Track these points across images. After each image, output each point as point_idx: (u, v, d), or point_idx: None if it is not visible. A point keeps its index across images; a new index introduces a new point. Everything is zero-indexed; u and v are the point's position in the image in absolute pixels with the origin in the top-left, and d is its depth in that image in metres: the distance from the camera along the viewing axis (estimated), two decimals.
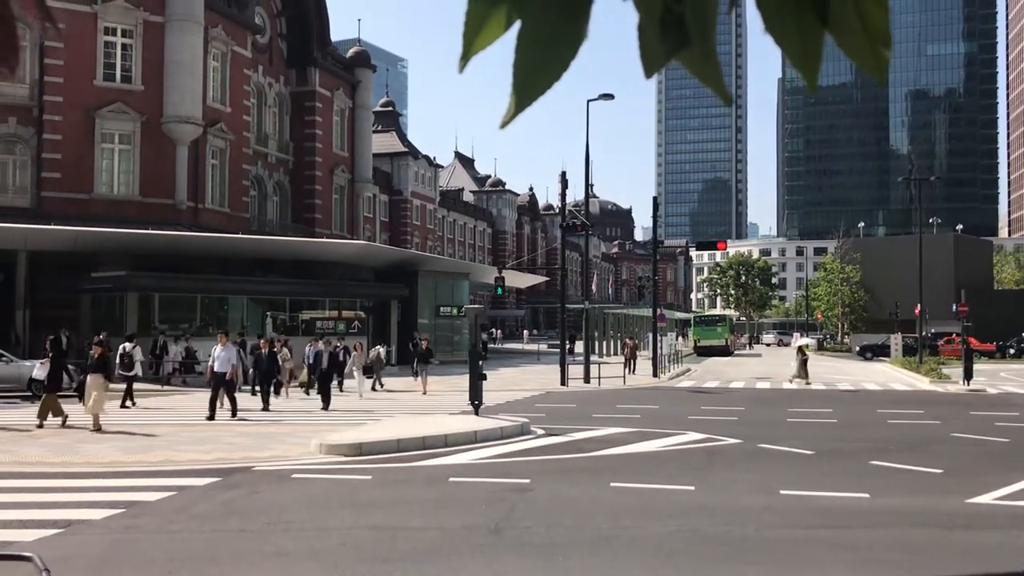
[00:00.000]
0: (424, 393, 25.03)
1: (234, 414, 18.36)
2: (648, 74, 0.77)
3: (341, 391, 24.15)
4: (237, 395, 19.16)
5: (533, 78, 0.74)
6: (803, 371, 31.43)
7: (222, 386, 18.42)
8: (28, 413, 19.45)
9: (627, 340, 40.16)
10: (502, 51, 0.82)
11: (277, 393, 22.48)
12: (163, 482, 11.07)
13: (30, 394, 22.63)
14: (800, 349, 32.55)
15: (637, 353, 37.13)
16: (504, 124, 0.78)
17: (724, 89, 0.78)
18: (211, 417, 17.88)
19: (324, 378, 21.57)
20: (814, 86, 0.77)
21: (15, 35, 0.82)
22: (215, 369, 18.52)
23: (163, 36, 40.07)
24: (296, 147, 52.52)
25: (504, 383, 29.46)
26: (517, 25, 0.74)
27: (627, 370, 34.01)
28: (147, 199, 39.59)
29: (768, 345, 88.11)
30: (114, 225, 33.66)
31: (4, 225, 30.98)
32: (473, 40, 0.74)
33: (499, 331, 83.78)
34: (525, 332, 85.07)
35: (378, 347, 29.25)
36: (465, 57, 0.75)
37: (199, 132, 41.09)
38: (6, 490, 10.40)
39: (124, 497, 10.04)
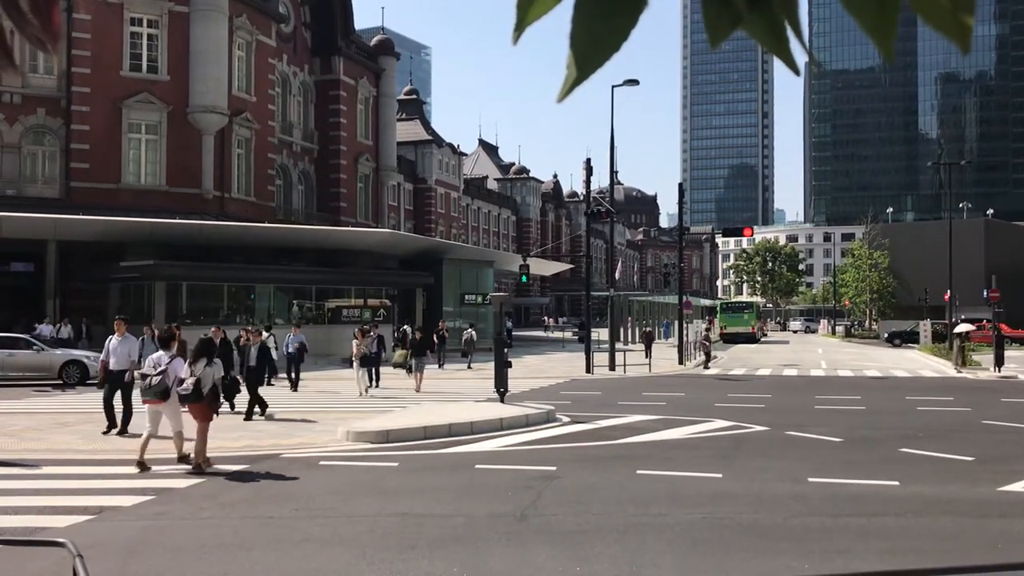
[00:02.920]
0: (417, 390, 21.79)
1: (125, 428, 13.99)
2: (714, 44, 0.73)
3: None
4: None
5: (592, 49, 0.71)
6: (961, 357, 31.55)
7: (119, 388, 14.12)
8: (59, 402, 19.74)
9: (705, 335, 36.17)
10: (524, 39, 0.77)
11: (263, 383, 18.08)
12: None
13: (61, 382, 23.09)
14: (960, 336, 32.44)
15: (711, 348, 33.16)
16: (561, 98, 0.74)
17: (792, 58, 0.74)
18: (112, 426, 14.07)
19: (251, 377, 16.90)
20: (891, 56, 0.72)
21: (54, 5, 0.75)
22: (110, 367, 14.13)
23: (188, 26, 40.30)
24: (321, 136, 52.67)
25: (529, 371, 29.48)
26: None
27: (704, 367, 32.61)
28: (174, 188, 39.91)
29: (795, 332, 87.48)
30: (142, 215, 33.98)
31: (34, 215, 31.40)
32: (528, 10, 0.70)
33: (551, 319, 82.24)
34: (559, 318, 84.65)
35: (470, 330, 29.28)
36: (519, 28, 0.71)
37: (224, 121, 41.32)
38: (38, 477, 10.54)
39: (154, 484, 10.14)
